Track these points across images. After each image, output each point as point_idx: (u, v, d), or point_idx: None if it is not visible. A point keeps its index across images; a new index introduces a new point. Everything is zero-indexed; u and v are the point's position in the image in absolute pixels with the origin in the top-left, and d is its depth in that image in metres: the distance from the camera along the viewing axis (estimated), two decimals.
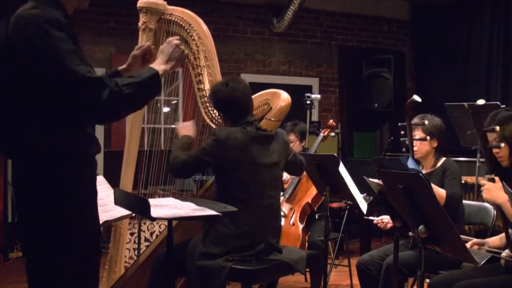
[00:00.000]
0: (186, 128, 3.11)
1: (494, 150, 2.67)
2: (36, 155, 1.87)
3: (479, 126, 2.55)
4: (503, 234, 2.74)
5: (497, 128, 2.64)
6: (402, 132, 3.52)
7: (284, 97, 3.31)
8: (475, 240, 2.78)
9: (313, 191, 3.98)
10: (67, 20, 1.90)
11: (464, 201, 3.31)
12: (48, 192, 1.86)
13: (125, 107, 1.96)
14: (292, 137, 4.39)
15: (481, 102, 2.48)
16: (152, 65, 2.13)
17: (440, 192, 3.11)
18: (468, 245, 2.72)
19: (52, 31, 1.81)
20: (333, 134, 4.66)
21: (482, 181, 2.61)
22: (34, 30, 1.80)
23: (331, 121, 4.67)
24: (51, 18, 1.83)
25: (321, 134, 4.55)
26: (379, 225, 3.32)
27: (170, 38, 2.29)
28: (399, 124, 3.49)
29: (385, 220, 3.28)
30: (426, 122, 3.29)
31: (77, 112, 1.89)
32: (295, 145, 4.39)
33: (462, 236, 2.41)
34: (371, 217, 3.36)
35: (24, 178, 1.89)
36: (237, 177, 2.84)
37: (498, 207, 2.51)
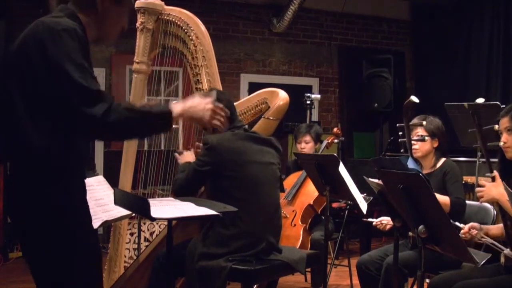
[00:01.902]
0: (186, 157, 3.14)
1: (502, 140, 2.66)
2: (34, 157, 1.86)
3: (479, 124, 2.56)
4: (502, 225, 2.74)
5: (496, 126, 2.66)
6: (400, 133, 3.52)
7: (282, 96, 3.31)
8: (472, 224, 2.77)
9: (315, 193, 3.98)
10: (84, 34, 1.91)
11: None
12: (47, 193, 1.86)
13: (119, 131, 1.88)
14: (307, 138, 4.42)
15: (480, 100, 2.47)
16: (173, 103, 2.02)
17: (443, 199, 3.10)
18: (466, 228, 2.71)
19: (66, 38, 1.82)
20: (336, 141, 4.71)
21: (481, 181, 2.61)
22: (50, 34, 1.83)
23: (335, 129, 4.71)
24: (69, 27, 1.85)
25: (325, 141, 4.59)
26: (378, 226, 3.32)
27: (211, 99, 2.12)
28: (397, 125, 3.50)
29: (384, 221, 3.28)
30: (425, 122, 3.30)
31: (72, 124, 1.86)
32: (310, 146, 4.41)
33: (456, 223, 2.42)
34: (370, 219, 3.36)
35: (21, 180, 1.89)
36: (233, 176, 2.85)
37: (498, 203, 2.52)
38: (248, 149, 2.90)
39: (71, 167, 1.92)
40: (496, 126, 2.68)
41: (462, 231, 2.69)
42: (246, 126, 3.09)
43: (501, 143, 2.67)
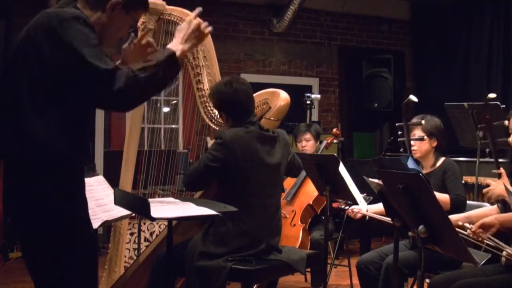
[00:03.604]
0: None
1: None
2: (35, 156, 1.86)
3: (489, 121, 2.57)
4: (494, 208, 2.71)
5: (506, 122, 2.66)
6: (400, 133, 3.52)
7: (283, 97, 3.31)
8: (484, 220, 2.69)
9: (315, 193, 3.98)
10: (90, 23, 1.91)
11: None
12: (47, 194, 1.86)
13: (142, 92, 1.89)
14: (308, 136, 4.43)
15: (492, 95, 2.46)
16: (168, 46, 2.03)
17: (443, 198, 3.10)
18: (474, 228, 2.65)
19: (76, 25, 1.82)
20: (336, 141, 4.71)
21: (487, 181, 2.60)
22: (58, 22, 1.82)
23: (335, 129, 4.72)
24: (77, 15, 1.85)
25: (325, 142, 4.59)
26: (349, 214, 3.36)
27: (190, 17, 2.13)
28: (396, 124, 3.49)
29: (355, 210, 3.32)
30: (423, 122, 3.30)
31: (92, 104, 1.89)
32: (311, 144, 4.42)
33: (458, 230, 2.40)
34: (342, 206, 3.40)
35: (22, 179, 1.88)
36: (239, 176, 2.84)
37: (503, 201, 2.51)
38: (258, 150, 2.87)
39: (73, 164, 1.92)
40: (506, 122, 2.68)
41: (468, 231, 2.60)
42: (260, 123, 3.02)
43: (511, 139, 2.67)
